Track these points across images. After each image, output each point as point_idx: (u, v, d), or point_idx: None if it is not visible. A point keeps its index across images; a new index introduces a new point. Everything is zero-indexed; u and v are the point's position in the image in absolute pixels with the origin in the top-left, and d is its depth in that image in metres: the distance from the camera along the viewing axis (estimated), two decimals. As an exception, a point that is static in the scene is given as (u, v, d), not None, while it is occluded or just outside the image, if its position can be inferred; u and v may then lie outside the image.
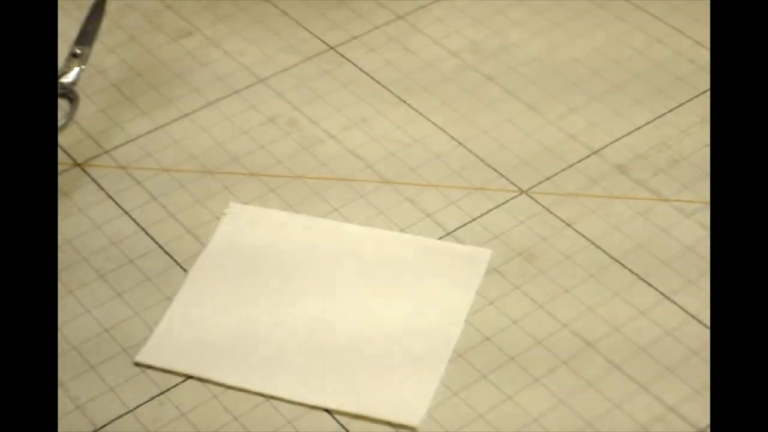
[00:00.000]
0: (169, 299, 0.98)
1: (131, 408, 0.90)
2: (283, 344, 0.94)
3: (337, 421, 0.88)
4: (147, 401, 0.91)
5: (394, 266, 1.01)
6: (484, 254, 1.02)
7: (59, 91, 1.17)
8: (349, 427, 0.89)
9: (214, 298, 0.98)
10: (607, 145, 1.12)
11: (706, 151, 1.10)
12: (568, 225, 1.04)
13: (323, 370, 0.92)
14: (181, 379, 0.92)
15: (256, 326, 0.96)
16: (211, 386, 0.92)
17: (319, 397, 0.90)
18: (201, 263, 1.01)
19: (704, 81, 1.18)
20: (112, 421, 0.90)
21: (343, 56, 1.22)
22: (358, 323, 0.96)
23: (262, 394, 0.91)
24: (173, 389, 0.92)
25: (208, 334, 0.95)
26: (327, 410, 0.90)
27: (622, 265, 1.01)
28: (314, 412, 0.89)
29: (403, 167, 1.10)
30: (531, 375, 0.93)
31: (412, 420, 0.89)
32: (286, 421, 0.89)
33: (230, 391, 0.91)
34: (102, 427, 0.89)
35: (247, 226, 1.05)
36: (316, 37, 1.25)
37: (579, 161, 1.11)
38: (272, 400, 0.90)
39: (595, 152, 1.11)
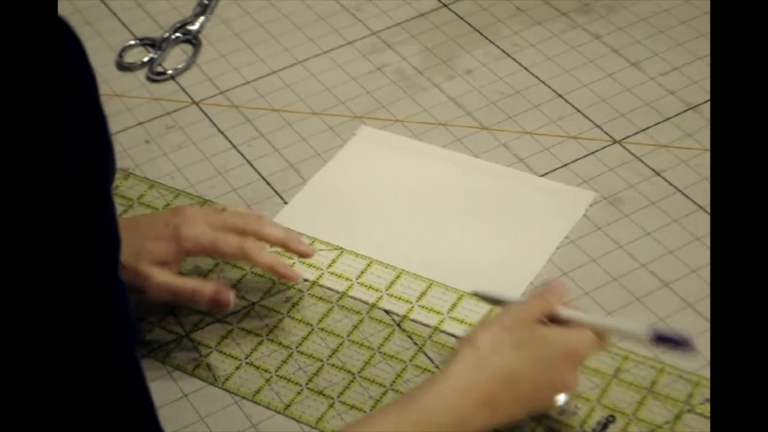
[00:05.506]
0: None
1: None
2: (386, 236, 1.03)
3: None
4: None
5: (498, 196, 1.05)
6: (587, 196, 1.05)
7: (185, 37, 1.25)
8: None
9: (329, 200, 1.06)
10: (705, 102, 1.13)
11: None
12: (658, 174, 1.06)
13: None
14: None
15: (363, 227, 1.03)
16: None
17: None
18: (323, 173, 1.08)
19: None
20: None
21: (454, 13, 1.27)
22: (452, 242, 1.02)
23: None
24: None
25: (322, 224, 1.04)
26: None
27: (707, 212, 1.02)
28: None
29: (501, 115, 1.14)
30: (604, 309, 0.95)
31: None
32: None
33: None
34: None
35: (372, 146, 1.11)
36: (432, -5, 1.30)
37: (675, 115, 1.12)
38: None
39: (693, 107, 1.13)
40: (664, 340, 0.82)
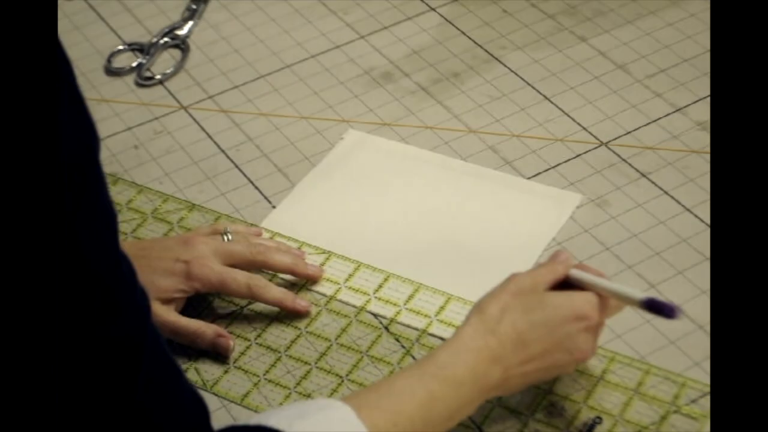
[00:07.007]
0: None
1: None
2: (374, 239, 1.03)
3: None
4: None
5: (485, 199, 1.06)
6: (574, 198, 1.05)
7: (174, 42, 1.25)
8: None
9: (317, 204, 1.07)
10: (692, 103, 1.13)
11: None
12: (644, 175, 1.07)
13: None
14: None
15: (351, 230, 1.04)
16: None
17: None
18: (311, 177, 1.09)
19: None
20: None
21: (442, 17, 1.27)
22: (440, 243, 1.02)
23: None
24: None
25: (310, 228, 1.04)
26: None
27: (694, 214, 1.03)
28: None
29: (488, 118, 1.14)
30: (591, 311, 0.96)
31: None
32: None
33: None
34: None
35: (360, 150, 1.11)
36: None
37: (662, 117, 1.13)
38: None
39: (679, 110, 1.13)
40: (655, 307, 0.85)
